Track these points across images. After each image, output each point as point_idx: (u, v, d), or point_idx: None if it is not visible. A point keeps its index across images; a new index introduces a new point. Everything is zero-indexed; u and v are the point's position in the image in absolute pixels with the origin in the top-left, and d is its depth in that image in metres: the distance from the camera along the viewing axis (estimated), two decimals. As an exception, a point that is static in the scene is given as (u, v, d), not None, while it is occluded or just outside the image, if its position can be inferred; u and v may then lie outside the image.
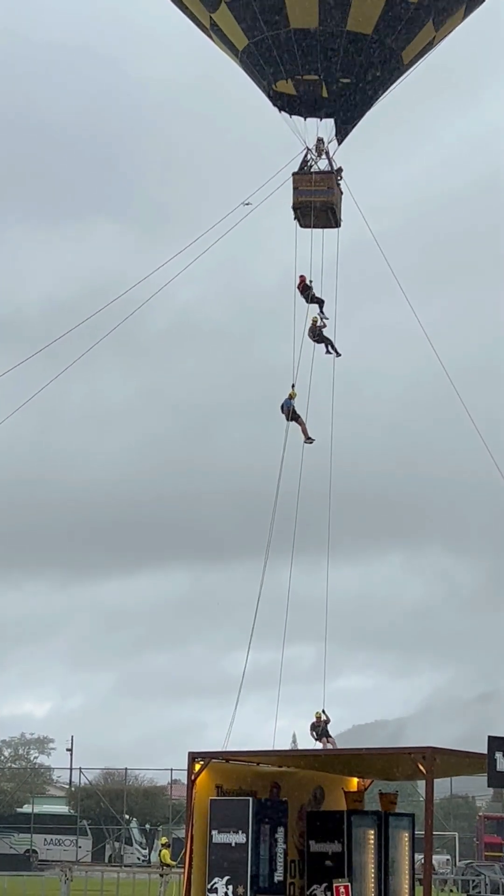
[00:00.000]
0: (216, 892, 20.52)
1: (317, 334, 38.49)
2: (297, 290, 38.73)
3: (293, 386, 37.85)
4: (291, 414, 37.86)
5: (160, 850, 57.69)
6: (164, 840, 61.46)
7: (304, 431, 37.87)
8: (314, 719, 40.09)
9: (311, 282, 38.53)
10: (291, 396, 37.87)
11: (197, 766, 20.89)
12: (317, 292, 38.55)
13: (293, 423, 37.92)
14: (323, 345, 38.61)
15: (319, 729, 39.95)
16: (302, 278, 38.60)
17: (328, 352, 38.64)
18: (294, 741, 64.81)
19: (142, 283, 38.25)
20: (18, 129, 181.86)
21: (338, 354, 38.72)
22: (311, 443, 37.81)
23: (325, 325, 38.60)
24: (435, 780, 20.09)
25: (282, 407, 38.07)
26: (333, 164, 38.87)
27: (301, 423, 37.83)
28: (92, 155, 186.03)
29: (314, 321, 38.55)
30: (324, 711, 40.04)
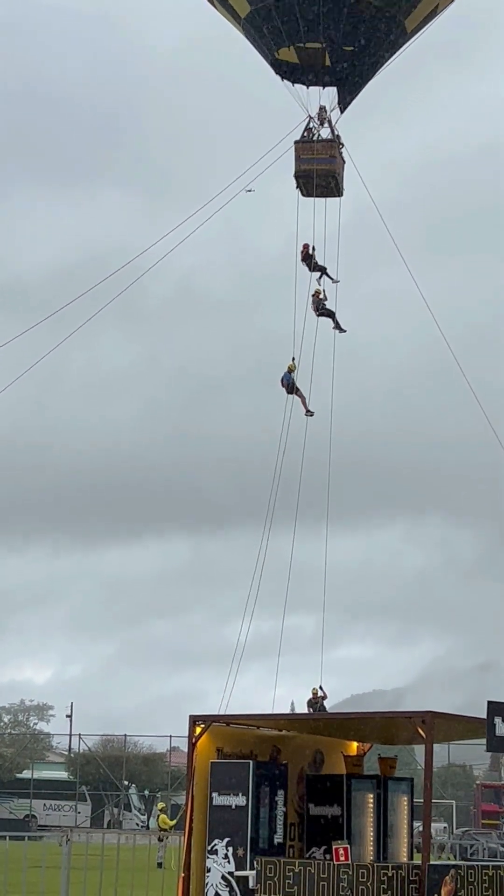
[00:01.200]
0: (216, 854, 20.69)
1: (319, 308, 38.45)
2: (300, 259, 38.72)
3: (293, 359, 37.85)
4: (291, 387, 37.86)
5: (158, 816, 58.07)
6: (161, 805, 61.83)
7: (305, 404, 37.88)
8: (311, 696, 40.26)
9: (313, 250, 38.53)
10: (291, 370, 37.84)
11: (198, 730, 21.05)
12: (319, 261, 38.57)
13: (294, 396, 37.94)
14: (329, 319, 38.59)
15: (317, 705, 40.10)
16: (305, 247, 38.58)
17: (336, 327, 38.61)
18: (292, 710, 65.12)
19: (144, 251, 38.30)
20: (24, 96, 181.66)
21: (342, 330, 38.68)
22: (311, 415, 37.83)
23: (326, 298, 38.54)
24: (433, 750, 20.23)
25: (282, 380, 38.06)
26: (335, 132, 38.85)
27: (301, 396, 37.83)
28: (97, 122, 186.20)
29: (316, 294, 38.52)
30: (321, 688, 40.21)
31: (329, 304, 38.67)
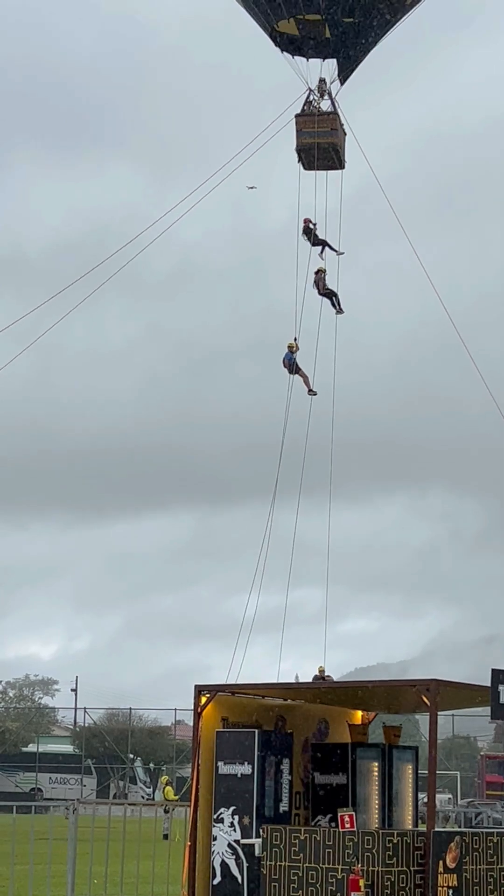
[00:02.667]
0: (222, 823, 20.83)
1: (321, 287, 38.34)
2: (301, 233, 38.63)
3: (294, 339, 37.76)
4: (293, 367, 37.76)
5: (163, 789, 58.37)
6: (164, 779, 62.15)
7: (307, 384, 37.74)
8: (317, 672, 40.32)
9: (314, 224, 38.46)
10: (293, 350, 37.71)
11: (203, 699, 21.16)
12: (321, 234, 38.49)
13: (296, 376, 37.84)
14: (330, 300, 38.47)
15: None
16: (306, 221, 38.50)
17: (334, 306, 38.51)
18: (295, 680, 65.25)
19: (145, 224, 38.28)
20: (30, 72, 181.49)
21: (341, 311, 38.54)
22: (314, 395, 37.72)
23: (324, 276, 38.35)
24: (438, 722, 20.33)
25: (283, 360, 37.92)
26: (336, 104, 38.79)
27: (303, 376, 37.69)
28: (102, 95, 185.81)
29: (319, 272, 38.44)
30: (323, 670, 40.24)
31: (330, 281, 38.57)
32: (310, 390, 37.71)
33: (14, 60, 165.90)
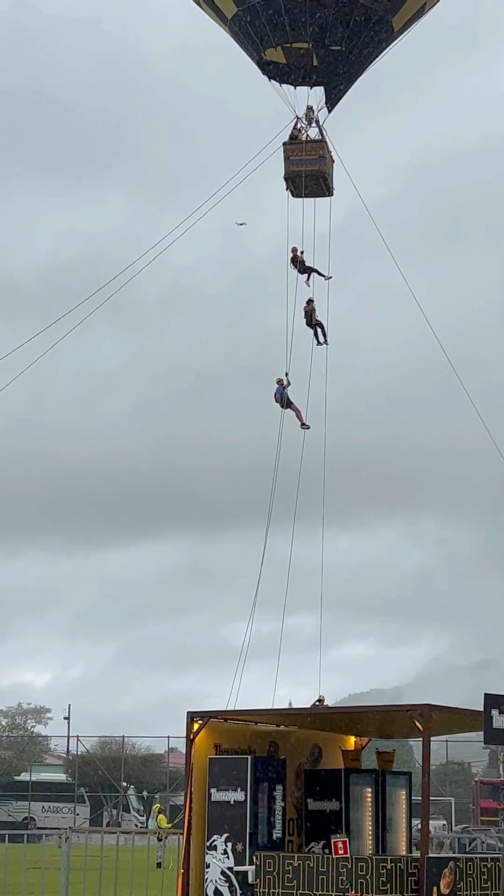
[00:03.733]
0: (215, 850, 20.80)
1: (312, 319, 38.33)
2: (289, 262, 38.67)
3: (286, 374, 37.75)
4: (285, 402, 37.71)
5: (156, 817, 58.22)
6: (157, 807, 62.00)
7: (300, 418, 37.65)
8: (317, 702, 40.18)
9: (301, 252, 38.52)
10: (283, 384, 37.65)
11: (196, 726, 21.17)
12: (309, 262, 38.51)
13: (289, 410, 37.73)
14: (316, 331, 38.45)
15: None
16: (294, 250, 38.54)
17: (316, 337, 38.48)
18: (289, 706, 65.12)
19: (137, 250, 38.43)
20: (24, 99, 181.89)
21: (325, 343, 38.52)
22: (307, 429, 37.68)
23: (314, 309, 38.39)
24: (431, 748, 20.32)
25: (275, 395, 37.87)
26: (324, 132, 38.91)
27: (296, 410, 37.59)
28: (97, 122, 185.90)
29: (309, 303, 38.47)
30: (323, 699, 40.13)
31: (320, 307, 38.54)
32: (303, 424, 37.62)
33: (9, 86, 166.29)
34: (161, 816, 55.80)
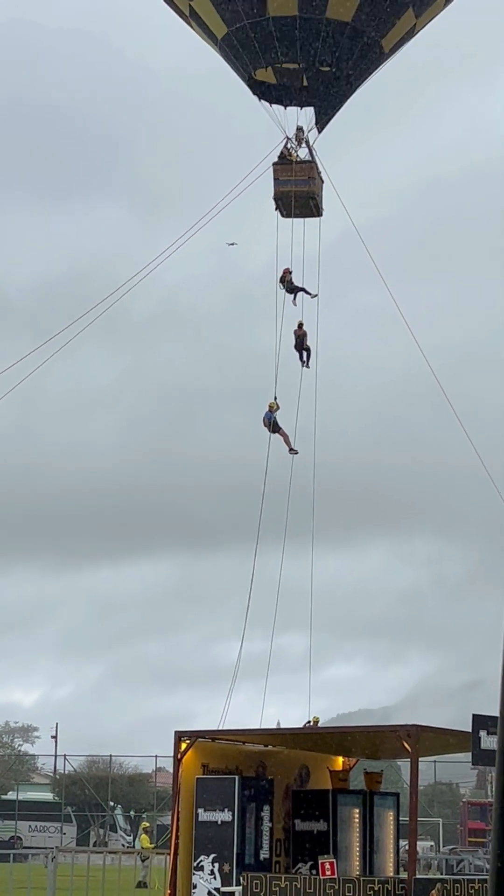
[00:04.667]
0: (202, 870, 20.75)
1: (303, 344, 38.34)
2: (279, 282, 38.67)
3: (275, 398, 37.73)
4: (273, 426, 37.66)
5: (140, 835, 57.98)
6: (144, 825, 61.77)
7: (288, 443, 37.61)
8: (311, 723, 40.08)
9: (291, 272, 38.55)
10: (273, 409, 37.63)
11: (183, 745, 21.12)
12: (298, 282, 38.54)
13: (276, 435, 37.68)
14: (301, 353, 38.47)
15: None
16: (286, 271, 38.56)
17: (302, 359, 38.51)
18: (277, 726, 64.89)
19: (129, 266, 38.49)
20: (22, 114, 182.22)
21: (307, 366, 38.56)
22: (295, 454, 37.65)
23: (305, 334, 38.43)
24: (419, 768, 20.30)
25: (264, 419, 37.82)
26: (314, 152, 38.95)
27: (284, 435, 37.52)
28: (92, 139, 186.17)
29: (300, 326, 38.48)
30: (317, 720, 40.03)
31: (309, 327, 38.56)
32: (291, 449, 37.58)
33: (5, 100, 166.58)
34: (144, 836, 55.53)
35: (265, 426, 37.66)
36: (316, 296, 38.49)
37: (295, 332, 38.37)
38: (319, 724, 40.95)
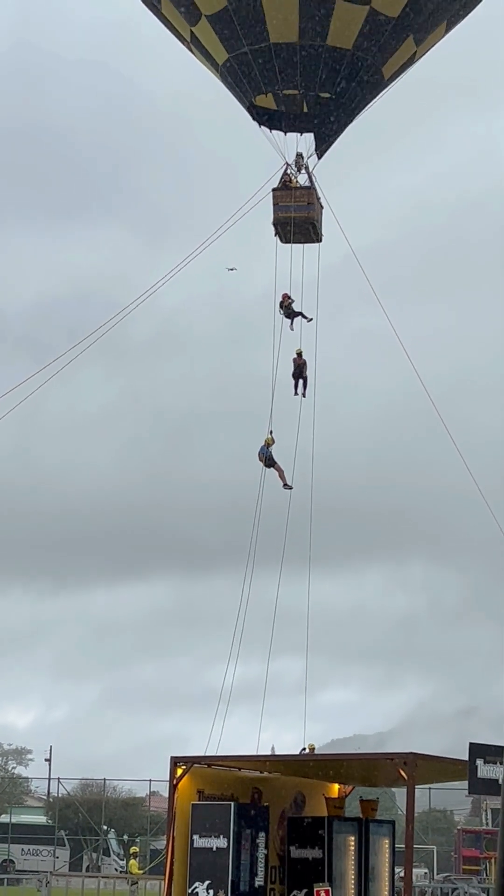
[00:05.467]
0: (197, 897, 20.69)
1: (302, 372, 38.41)
2: (279, 308, 38.74)
3: (270, 432, 37.75)
4: (268, 460, 37.66)
5: (129, 860, 57.76)
6: (134, 850, 61.56)
7: (282, 478, 37.61)
8: (307, 750, 39.97)
9: (291, 299, 38.65)
10: (268, 443, 37.63)
11: (179, 771, 21.08)
12: (297, 306, 38.64)
13: (272, 469, 37.67)
14: (297, 381, 38.53)
15: None
16: (285, 296, 38.64)
17: (296, 387, 38.59)
18: (272, 753, 64.71)
19: (128, 288, 38.65)
20: (27, 135, 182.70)
21: (303, 396, 38.63)
22: (290, 489, 37.64)
23: (304, 363, 38.48)
24: (414, 795, 20.27)
25: (259, 454, 37.82)
26: (314, 178, 39.06)
27: (279, 470, 37.52)
28: (92, 162, 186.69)
29: (299, 355, 38.53)
30: (313, 748, 39.89)
31: (307, 352, 38.63)
32: (285, 485, 37.58)
33: (10, 124, 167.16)
34: (133, 862, 55.31)
35: (260, 460, 37.66)
36: (311, 319, 38.60)
37: (294, 359, 38.45)
38: (315, 749, 40.89)
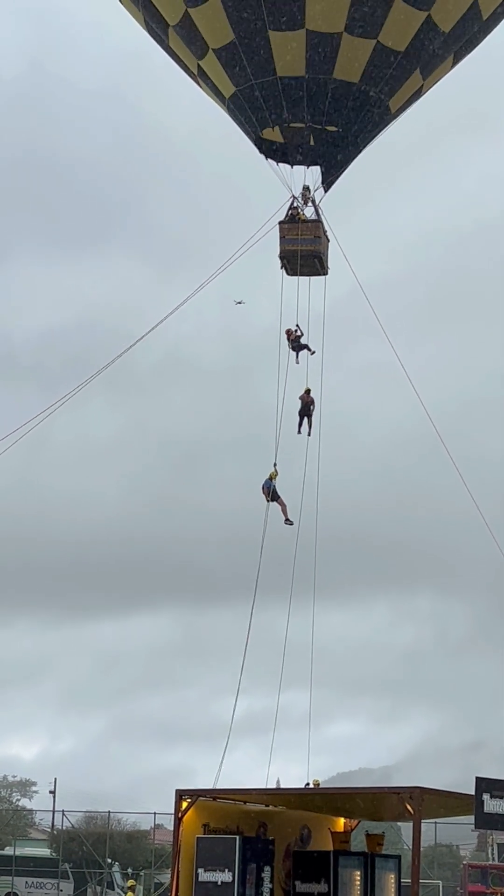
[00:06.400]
0: (202, 932, 20.59)
1: (309, 410, 38.46)
2: (288, 341, 38.81)
3: (275, 465, 37.78)
4: (272, 494, 37.64)
5: (126, 894, 57.46)
6: (130, 883, 61.28)
7: (285, 513, 37.60)
8: (311, 785, 39.81)
9: (300, 333, 38.74)
10: (272, 477, 37.63)
11: (184, 804, 21.01)
12: (304, 339, 38.72)
13: (275, 503, 37.65)
14: (301, 419, 38.58)
15: None
16: (288, 332, 38.72)
17: (299, 430, 38.65)
18: (278, 786, 64.51)
19: (136, 318, 38.84)
20: (37, 168, 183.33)
21: (309, 435, 38.68)
22: (290, 524, 37.62)
23: (312, 401, 38.54)
24: (420, 829, 20.17)
25: (263, 487, 37.80)
26: (320, 211, 39.16)
27: (282, 504, 37.47)
28: (102, 192, 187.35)
29: (307, 393, 38.57)
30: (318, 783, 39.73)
31: (314, 398, 38.71)
32: (287, 520, 37.56)
33: (22, 152, 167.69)
34: (130, 894, 54.96)
35: (264, 494, 37.62)
36: (315, 352, 38.68)
37: (301, 397, 38.52)
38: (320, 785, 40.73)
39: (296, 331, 38.72)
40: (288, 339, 38.58)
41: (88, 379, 38.44)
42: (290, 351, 38.79)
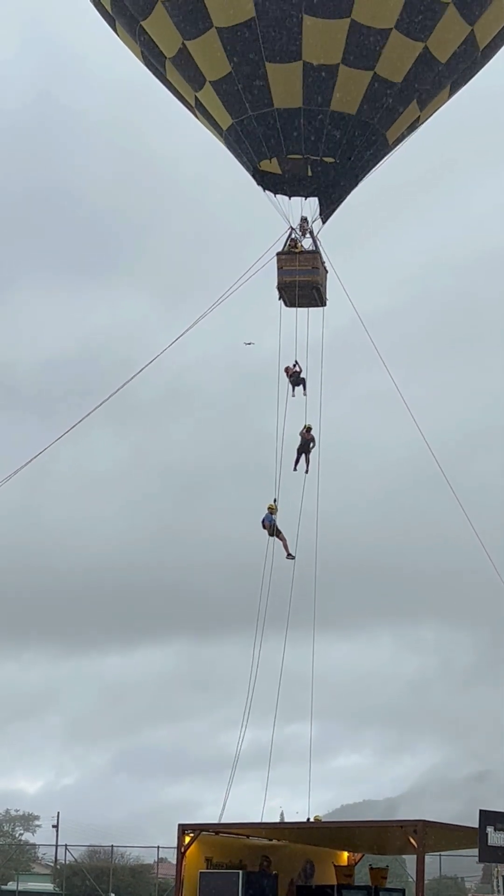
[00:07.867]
0: None
1: (308, 447, 38.44)
2: (287, 377, 38.83)
3: (275, 500, 37.72)
4: (273, 529, 37.59)
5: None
6: None
7: (286, 547, 37.56)
8: (313, 821, 39.61)
9: (296, 366, 38.77)
10: (272, 511, 37.57)
11: (187, 838, 20.87)
12: (304, 372, 38.74)
13: (275, 538, 37.59)
14: (300, 455, 38.58)
15: None
16: (287, 369, 38.75)
17: (295, 467, 38.61)
18: (281, 818, 64.30)
19: (138, 349, 38.90)
20: (46, 195, 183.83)
21: (306, 472, 38.63)
22: (292, 559, 37.56)
23: (312, 439, 38.52)
24: (424, 862, 20.04)
25: (263, 522, 37.75)
26: (318, 243, 39.17)
27: (283, 539, 37.44)
28: (104, 222, 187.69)
29: (308, 430, 38.54)
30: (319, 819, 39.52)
31: (314, 436, 38.72)
32: (288, 555, 37.51)
33: (28, 185, 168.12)
34: None
35: (264, 528, 37.58)
36: (305, 396, 38.67)
37: (301, 433, 38.48)
38: (322, 817, 40.51)
39: (294, 367, 38.77)
40: (287, 375, 38.64)
41: (90, 412, 38.45)
42: (290, 385, 38.79)
